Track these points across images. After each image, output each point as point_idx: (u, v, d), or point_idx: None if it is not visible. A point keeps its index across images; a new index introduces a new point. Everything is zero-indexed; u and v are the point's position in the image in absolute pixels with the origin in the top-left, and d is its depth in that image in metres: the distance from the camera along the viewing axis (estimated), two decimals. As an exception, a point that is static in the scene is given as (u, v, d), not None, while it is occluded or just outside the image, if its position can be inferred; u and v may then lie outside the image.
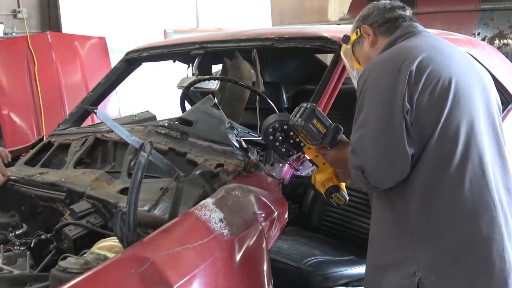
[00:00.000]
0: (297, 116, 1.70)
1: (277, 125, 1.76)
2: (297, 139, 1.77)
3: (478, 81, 1.69)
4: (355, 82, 1.90)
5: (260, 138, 2.34)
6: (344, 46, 1.95)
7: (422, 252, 1.59)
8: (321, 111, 1.72)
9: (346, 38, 1.90)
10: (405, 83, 1.54)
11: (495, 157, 1.65)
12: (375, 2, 1.84)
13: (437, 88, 1.56)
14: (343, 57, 2.00)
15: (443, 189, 1.58)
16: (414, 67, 1.55)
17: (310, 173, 1.90)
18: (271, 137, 1.79)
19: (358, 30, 1.83)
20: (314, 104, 1.72)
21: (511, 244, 1.60)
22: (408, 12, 1.82)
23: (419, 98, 1.55)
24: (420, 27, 1.79)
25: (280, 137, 1.77)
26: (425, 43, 1.68)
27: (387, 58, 1.65)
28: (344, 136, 1.75)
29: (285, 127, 1.76)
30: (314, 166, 1.86)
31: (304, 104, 1.73)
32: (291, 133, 1.76)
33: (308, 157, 1.84)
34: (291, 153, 1.81)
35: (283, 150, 1.80)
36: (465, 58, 1.75)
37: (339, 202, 1.84)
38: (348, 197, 1.84)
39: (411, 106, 1.54)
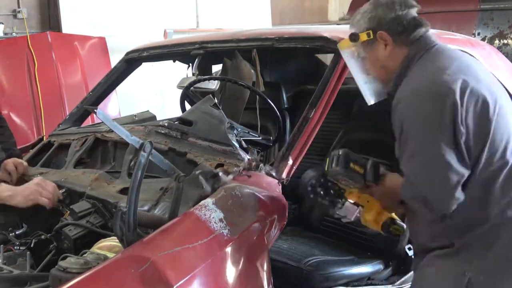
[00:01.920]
0: (333, 165, 1.69)
1: (313, 181, 1.75)
2: (337, 188, 1.76)
3: (500, 88, 1.75)
4: (361, 81, 1.90)
5: (260, 138, 2.34)
6: (347, 43, 1.87)
7: (475, 253, 1.65)
8: (353, 152, 1.70)
9: (355, 37, 1.81)
10: (453, 107, 1.56)
11: None
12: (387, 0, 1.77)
13: (479, 107, 1.60)
14: (344, 54, 1.94)
15: (495, 194, 1.63)
16: (457, 92, 1.57)
17: (358, 215, 1.83)
18: (312, 195, 1.77)
19: (371, 32, 1.77)
20: (346, 149, 1.71)
21: None
22: (416, 8, 1.80)
23: (466, 119, 1.58)
24: (433, 36, 1.79)
25: (321, 192, 1.76)
26: (449, 61, 1.69)
27: (425, 86, 1.63)
28: (382, 169, 1.75)
29: (322, 180, 1.75)
30: (359, 207, 1.82)
31: (335, 152, 1.72)
32: (329, 184, 1.75)
33: (351, 201, 1.80)
34: (335, 202, 1.79)
35: (328, 203, 1.78)
36: (481, 66, 1.80)
37: (398, 232, 1.81)
38: (404, 224, 1.81)
39: (463, 128, 1.58)
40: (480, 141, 1.61)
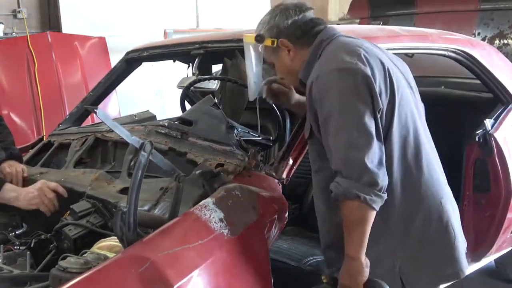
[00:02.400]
0: None
1: None
2: None
3: (397, 65, 1.82)
4: (251, 78, 1.96)
5: (260, 138, 2.34)
6: (251, 39, 1.87)
7: (397, 242, 1.74)
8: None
9: (260, 39, 1.84)
10: (366, 79, 1.61)
11: (428, 135, 1.84)
12: (282, 7, 1.82)
13: (387, 80, 1.67)
14: (246, 46, 1.93)
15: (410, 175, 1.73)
16: (367, 67, 1.63)
17: None
18: None
19: (275, 40, 1.81)
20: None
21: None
22: (312, 10, 1.84)
23: (380, 93, 1.64)
24: (331, 30, 1.83)
25: None
26: (352, 43, 1.74)
27: (335, 64, 1.66)
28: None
29: None
30: None
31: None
32: None
33: None
34: None
35: None
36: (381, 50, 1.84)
37: None
38: None
39: (380, 102, 1.63)
40: (387, 119, 1.67)
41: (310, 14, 1.84)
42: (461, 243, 1.85)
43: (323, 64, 1.72)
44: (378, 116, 1.63)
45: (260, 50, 1.88)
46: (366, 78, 1.62)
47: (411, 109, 1.75)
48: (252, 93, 2.01)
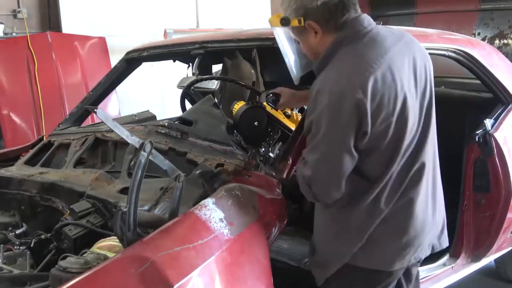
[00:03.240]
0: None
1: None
2: None
3: (413, 65, 1.76)
4: (290, 60, 1.93)
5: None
6: (276, 22, 1.81)
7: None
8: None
9: (286, 21, 1.77)
10: (358, 107, 1.60)
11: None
12: None
13: (384, 105, 1.65)
14: (277, 33, 1.91)
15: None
16: (367, 92, 1.60)
17: None
18: None
19: (302, 19, 1.73)
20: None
21: None
22: None
23: (372, 119, 1.63)
24: (365, 21, 1.74)
25: None
26: (372, 55, 1.67)
27: (338, 82, 1.64)
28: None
29: None
30: None
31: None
32: None
33: None
34: None
35: None
36: (405, 45, 1.78)
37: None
38: None
39: (365, 132, 1.64)
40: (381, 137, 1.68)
41: None
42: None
43: (330, 75, 1.68)
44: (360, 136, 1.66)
45: (288, 30, 1.83)
46: (358, 105, 1.60)
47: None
48: (295, 76, 1.96)
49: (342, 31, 1.73)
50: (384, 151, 1.71)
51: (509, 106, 2.85)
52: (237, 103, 2.39)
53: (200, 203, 1.68)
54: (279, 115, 2.34)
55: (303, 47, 1.84)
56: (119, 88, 3.53)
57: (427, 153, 1.81)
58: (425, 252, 1.91)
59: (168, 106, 6.50)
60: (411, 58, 1.76)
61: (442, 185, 1.96)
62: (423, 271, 2.59)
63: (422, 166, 1.79)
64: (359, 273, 1.84)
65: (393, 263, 1.83)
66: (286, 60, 1.94)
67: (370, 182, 1.75)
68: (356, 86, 1.61)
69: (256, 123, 2.26)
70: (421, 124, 1.78)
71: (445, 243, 1.98)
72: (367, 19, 1.75)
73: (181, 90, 2.80)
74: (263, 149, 2.21)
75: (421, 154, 1.79)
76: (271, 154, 2.22)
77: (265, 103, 2.29)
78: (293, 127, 2.30)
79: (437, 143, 1.89)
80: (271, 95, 2.26)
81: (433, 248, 1.94)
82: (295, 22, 1.76)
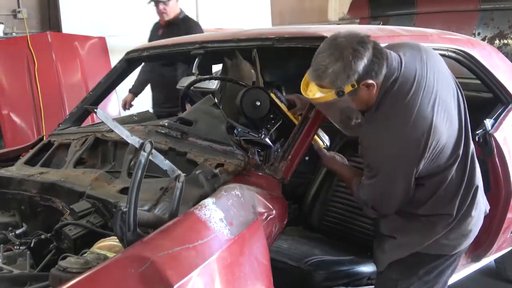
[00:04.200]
0: None
1: None
2: None
3: (453, 94, 1.96)
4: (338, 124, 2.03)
5: (260, 138, 2.34)
6: (330, 96, 1.83)
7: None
8: None
9: (342, 93, 1.80)
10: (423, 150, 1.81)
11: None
12: (350, 50, 1.77)
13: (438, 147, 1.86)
14: (320, 106, 1.98)
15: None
16: (429, 146, 1.81)
17: None
18: None
19: (355, 83, 1.78)
20: None
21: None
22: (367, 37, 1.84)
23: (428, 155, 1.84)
24: (391, 66, 1.84)
25: None
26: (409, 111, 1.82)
27: (401, 138, 1.83)
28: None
29: None
30: None
31: None
32: None
33: None
34: None
35: None
36: (443, 75, 1.95)
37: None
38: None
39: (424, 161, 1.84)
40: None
41: (371, 44, 1.80)
42: None
43: (379, 130, 1.87)
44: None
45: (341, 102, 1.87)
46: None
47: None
48: (353, 131, 2.03)
49: (385, 77, 1.83)
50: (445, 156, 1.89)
51: (509, 106, 2.85)
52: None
53: (200, 203, 1.68)
54: (282, 105, 2.34)
55: (355, 105, 1.89)
56: (119, 88, 3.53)
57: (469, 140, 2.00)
58: (479, 226, 2.09)
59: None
60: (435, 72, 1.91)
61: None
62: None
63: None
64: (423, 258, 2.00)
65: (459, 246, 2.01)
66: (338, 123, 2.04)
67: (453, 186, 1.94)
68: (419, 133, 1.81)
69: (258, 103, 2.26)
70: (462, 124, 1.96)
71: (487, 207, 2.15)
72: (393, 57, 1.86)
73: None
74: (263, 134, 2.22)
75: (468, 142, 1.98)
76: (267, 140, 2.25)
77: (271, 94, 2.30)
78: (294, 119, 2.30)
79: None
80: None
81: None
82: (349, 88, 1.80)
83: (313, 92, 1.89)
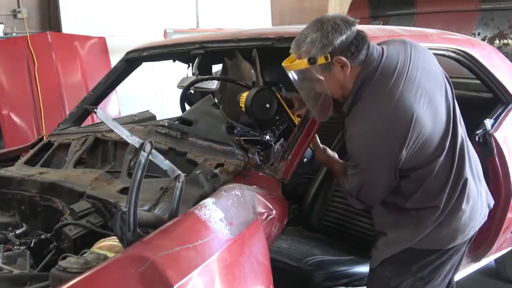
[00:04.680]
0: None
1: None
2: None
3: (440, 87, 1.94)
4: (310, 104, 2.00)
5: (260, 137, 2.34)
6: (301, 64, 1.86)
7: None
8: None
9: (314, 60, 1.81)
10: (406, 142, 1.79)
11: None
12: (331, 22, 1.80)
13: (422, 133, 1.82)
14: (293, 74, 1.95)
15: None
16: (410, 125, 1.78)
17: None
18: None
19: (329, 56, 1.80)
20: None
21: None
22: (357, 22, 1.87)
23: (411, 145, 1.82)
24: (374, 51, 1.86)
25: None
26: (393, 94, 1.80)
27: (376, 123, 1.81)
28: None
29: None
30: None
31: None
32: None
33: None
34: None
35: None
36: (430, 70, 1.94)
37: None
38: None
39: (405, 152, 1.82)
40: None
41: (356, 27, 1.84)
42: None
43: (360, 120, 1.85)
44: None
45: (310, 71, 1.87)
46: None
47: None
48: (322, 114, 2.01)
49: (364, 64, 1.84)
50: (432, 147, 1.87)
51: (509, 106, 2.85)
52: (242, 94, 2.36)
53: (200, 203, 1.68)
54: (286, 107, 2.34)
55: (328, 84, 1.88)
56: (119, 88, 3.53)
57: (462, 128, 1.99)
58: (481, 222, 2.06)
59: (168, 106, 6.50)
60: (420, 63, 1.90)
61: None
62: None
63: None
64: (416, 253, 1.96)
65: (453, 240, 1.96)
66: (308, 99, 2.00)
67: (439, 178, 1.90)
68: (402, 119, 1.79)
69: (268, 105, 2.24)
70: (451, 120, 1.92)
71: (491, 202, 2.14)
72: (374, 49, 1.87)
73: (181, 90, 2.79)
74: (268, 136, 2.21)
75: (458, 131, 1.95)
76: (268, 137, 2.24)
77: (278, 95, 2.30)
78: (294, 119, 2.30)
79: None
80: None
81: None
82: (322, 60, 1.81)
83: (290, 60, 1.92)
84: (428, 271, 1.97)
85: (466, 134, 2.02)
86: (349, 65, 1.82)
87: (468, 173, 1.95)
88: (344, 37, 1.79)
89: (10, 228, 2.10)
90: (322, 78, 1.86)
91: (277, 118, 2.30)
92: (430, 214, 1.92)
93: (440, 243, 1.96)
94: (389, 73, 1.83)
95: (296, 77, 1.94)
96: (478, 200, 2.02)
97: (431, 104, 1.85)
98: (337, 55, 1.81)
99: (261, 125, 2.30)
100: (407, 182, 1.90)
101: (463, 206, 1.94)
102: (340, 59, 1.81)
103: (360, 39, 1.83)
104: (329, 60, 1.81)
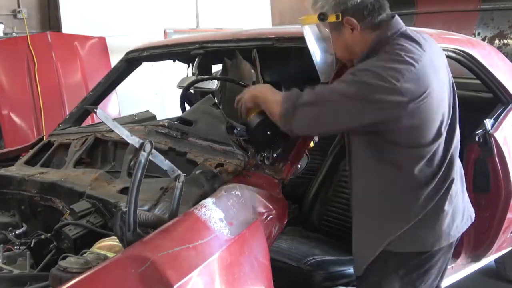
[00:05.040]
0: None
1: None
2: None
3: (448, 85, 1.88)
4: (320, 60, 1.96)
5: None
6: (312, 19, 1.85)
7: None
8: None
9: (323, 16, 1.80)
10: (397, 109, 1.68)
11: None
12: None
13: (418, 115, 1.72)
14: (307, 29, 1.94)
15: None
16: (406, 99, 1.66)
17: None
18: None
19: (340, 15, 1.78)
20: None
21: None
22: None
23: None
24: (396, 23, 1.81)
25: None
26: (421, 58, 1.72)
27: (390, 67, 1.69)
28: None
29: None
30: None
31: None
32: None
33: None
34: None
35: None
36: (440, 62, 1.87)
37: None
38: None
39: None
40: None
41: None
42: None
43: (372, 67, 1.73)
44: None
45: (319, 27, 1.86)
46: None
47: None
48: (327, 75, 1.98)
49: (381, 30, 1.78)
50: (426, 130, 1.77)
51: (509, 106, 2.85)
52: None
53: (200, 203, 1.68)
54: None
55: (335, 44, 1.86)
56: (119, 88, 3.53)
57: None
58: (464, 226, 1.99)
59: (168, 106, 6.50)
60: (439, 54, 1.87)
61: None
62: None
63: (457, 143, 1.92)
64: (402, 257, 1.88)
65: (438, 243, 1.87)
66: (316, 58, 1.96)
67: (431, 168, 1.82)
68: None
69: (269, 132, 2.20)
70: (450, 113, 1.86)
71: (473, 214, 2.09)
72: (397, 22, 1.82)
73: (181, 90, 2.79)
74: (266, 154, 2.18)
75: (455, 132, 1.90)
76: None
77: None
78: None
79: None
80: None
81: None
82: (332, 18, 1.79)
83: (304, 17, 1.91)
84: (415, 275, 1.90)
85: (459, 141, 1.95)
86: (358, 28, 1.78)
87: (456, 174, 1.90)
88: (364, 4, 1.77)
89: (10, 228, 2.10)
90: (330, 36, 1.84)
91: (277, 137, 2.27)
92: (412, 206, 1.83)
93: (425, 245, 1.87)
94: (411, 39, 1.76)
95: (306, 32, 1.93)
96: (460, 202, 1.96)
97: (439, 90, 1.77)
98: (348, 15, 1.78)
99: (258, 144, 2.26)
100: (397, 162, 1.80)
101: (446, 207, 1.87)
102: (350, 20, 1.78)
103: (378, 5, 1.79)
104: (340, 19, 1.78)
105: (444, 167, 1.84)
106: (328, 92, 1.79)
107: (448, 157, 1.85)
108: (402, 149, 1.78)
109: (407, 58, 1.68)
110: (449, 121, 1.85)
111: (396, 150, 1.79)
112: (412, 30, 1.85)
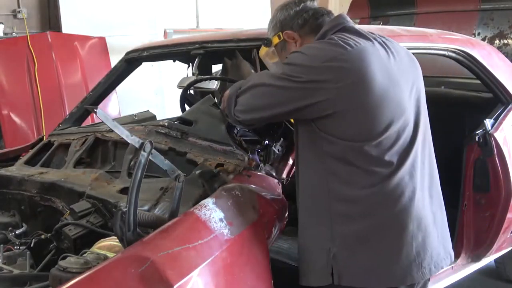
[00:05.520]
0: None
1: None
2: None
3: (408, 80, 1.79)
4: None
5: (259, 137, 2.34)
6: (264, 49, 1.96)
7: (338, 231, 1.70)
8: None
9: (268, 41, 1.91)
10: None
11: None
12: (282, 4, 1.87)
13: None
14: (265, 59, 2.02)
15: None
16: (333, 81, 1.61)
17: None
18: None
19: (280, 34, 1.85)
20: None
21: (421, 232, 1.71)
22: (316, 2, 1.87)
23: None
24: (347, 18, 1.81)
25: None
26: (360, 48, 1.67)
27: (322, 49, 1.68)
28: None
29: None
30: None
31: None
32: None
33: None
34: None
35: None
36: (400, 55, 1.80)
37: None
38: None
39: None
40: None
41: (313, 4, 1.85)
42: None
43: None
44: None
45: (271, 54, 1.92)
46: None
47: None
48: None
49: (320, 31, 1.78)
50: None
51: (509, 106, 2.85)
52: None
53: (200, 203, 1.68)
54: None
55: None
56: (119, 88, 3.53)
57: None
58: (440, 262, 1.77)
59: (168, 106, 6.50)
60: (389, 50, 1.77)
61: (442, 185, 1.91)
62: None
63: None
64: None
65: (409, 274, 1.67)
66: None
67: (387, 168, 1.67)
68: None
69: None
70: (411, 119, 1.74)
71: (452, 253, 1.88)
72: (340, 18, 1.81)
73: (181, 90, 2.79)
74: (268, 142, 2.20)
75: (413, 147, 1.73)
76: (273, 148, 2.20)
77: None
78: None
79: (432, 144, 1.86)
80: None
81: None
82: (276, 39, 1.87)
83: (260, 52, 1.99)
84: None
85: (433, 152, 1.83)
86: (298, 37, 1.83)
87: (422, 191, 1.73)
88: (291, 11, 1.83)
89: (10, 228, 2.10)
90: (279, 58, 1.90)
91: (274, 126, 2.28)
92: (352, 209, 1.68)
93: (394, 278, 1.67)
94: (355, 33, 1.72)
95: (269, 65, 1.99)
96: (434, 230, 1.75)
97: (393, 84, 1.68)
98: (284, 29, 1.84)
99: (259, 132, 2.28)
100: (335, 156, 1.68)
101: (410, 226, 1.67)
102: (288, 33, 1.84)
103: (312, 11, 1.83)
104: (282, 38, 1.85)
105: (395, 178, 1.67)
106: (262, 75, 1.82)
107: (405, 166, 1.69)
108: (340, 142, 1.66)
109: (340, 42, 1.67)
110: (409, 135, 1.72)
111: (334, 145, 1.67)
112: (363, 28, 1.82)
